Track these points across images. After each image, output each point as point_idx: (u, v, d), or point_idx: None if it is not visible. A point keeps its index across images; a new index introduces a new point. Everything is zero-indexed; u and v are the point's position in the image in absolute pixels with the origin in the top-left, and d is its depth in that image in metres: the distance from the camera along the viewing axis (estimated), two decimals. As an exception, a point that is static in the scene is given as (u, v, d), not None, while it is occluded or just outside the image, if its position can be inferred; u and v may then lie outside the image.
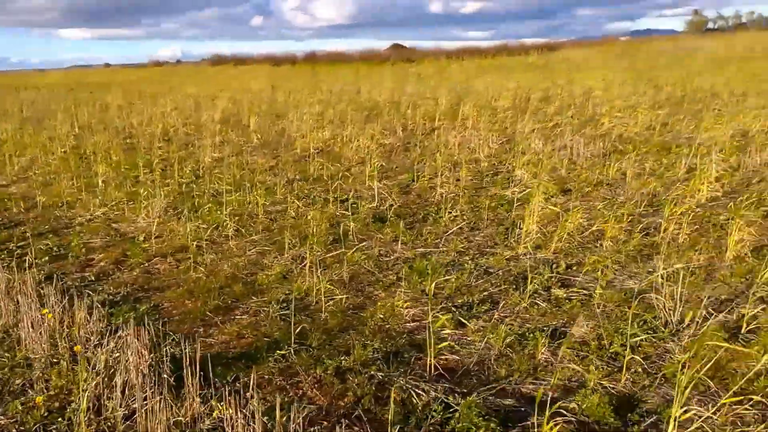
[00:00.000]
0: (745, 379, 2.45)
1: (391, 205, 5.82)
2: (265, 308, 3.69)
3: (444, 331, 3.28)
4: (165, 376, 2.66)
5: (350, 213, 5.47)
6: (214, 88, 21.69)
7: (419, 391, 2.69)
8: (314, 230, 5.01)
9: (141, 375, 2.62)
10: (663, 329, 3.14)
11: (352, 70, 28.10)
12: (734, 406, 2.42)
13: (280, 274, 4.26)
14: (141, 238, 5.11)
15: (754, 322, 3.15)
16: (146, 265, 4.56)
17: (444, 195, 6.01)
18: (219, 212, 5.54)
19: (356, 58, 33.17)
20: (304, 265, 4.20)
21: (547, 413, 2.13)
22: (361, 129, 9.74)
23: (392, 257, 4.51)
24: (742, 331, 3.13)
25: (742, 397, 2.38)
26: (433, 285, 3.35)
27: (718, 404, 2.37)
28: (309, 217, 5.36)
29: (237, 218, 5.47)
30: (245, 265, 4.49)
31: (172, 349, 3.06)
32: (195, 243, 4.82)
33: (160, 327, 3.16)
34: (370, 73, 26.19)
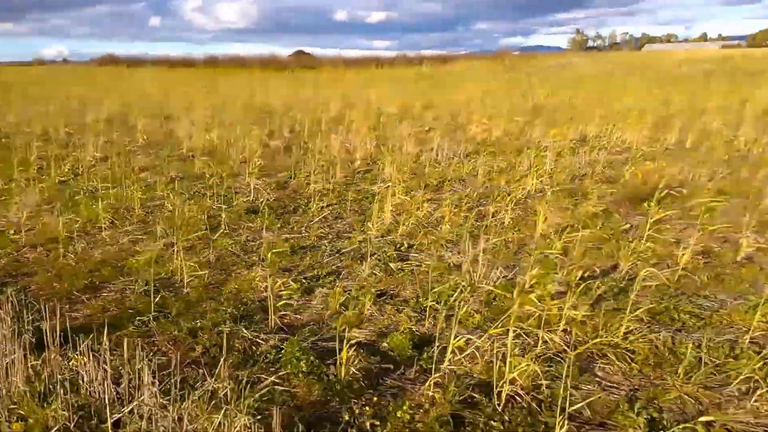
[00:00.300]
0: (506, 315, 3.15)
1: (267, 199, 6.30)
2: (132, 287, 4.04)
3: (293, 297, 3.81)
4: (26, 336, 2.98)
5: (225, 206, 5.88)
6: (103, 89, 20.99)
7: (260, 341, 3.19)
8: (187, 220, 5.37)
9: (2, 337, 2.92)
10: (467, 287, 3.85)
11: (251, 76, 28.15)
12: (500, 336, 3.13)
13: (150, 259, 4.59)
14: (11, 232, 5.22)
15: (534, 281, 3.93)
16: (15, 255, 4.71)
17: (316, 190, 6.56)
18: (95, 206, 5.74)
19: (256, 64, 33.16)
20: (174, 251, 4.57)
21: (345, 346, 2.71)
22: (250, 131, 10.09)
23: (258, 242, 4.99)
24: (525, 286, 3.90)
25: (505, 329, 3.09)
26: (282, 257, 3.87)
27: (486, 335, 3.06)
28: (185, 210, 5.70)
29: (113, 212, 5.70)
30: (117, 252, 4.78)
31: (37, 322, 3.35)
32: (66, 234, 5.02)
33: (25, 303, 3.43)
34: (269, 78, 26.37)
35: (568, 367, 2.67)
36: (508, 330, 3.02)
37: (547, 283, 3.67)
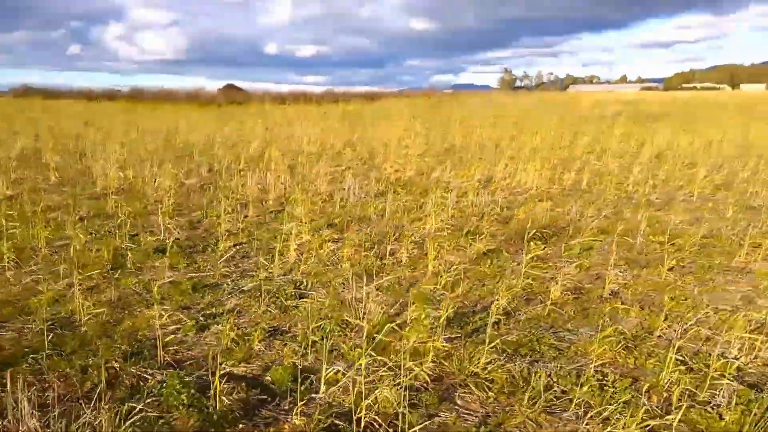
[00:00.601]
0: (382, 347, 3.49)
1: (177, 238, 6.45)
2: (30, 326, 4.12)
3: (188, 334, 4.01)
4: None
5: (134, 245, 5.99)
6: (18, 123, 20.27)
7: (147, 376, 3.39)
8: (93, 259, 5.45)
9: None
10: (353, 325, 4.18)
11: (177, 110, 27.94)
12: (374, 368, 3.47)
13: (52, 298, 4.66)
14: None
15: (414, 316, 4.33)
16: None
17: (226, 229, 6.77)
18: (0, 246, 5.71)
19: (183, 98, 32.94)
20: (75, 290, 4.66)
21: (218, 374, 2.97)
22: (166, 169, 10.16)
23: (162, 281, 5.14)
24: (407, 321, 4.29)
25: (375, 359, 3.43)
26: (183, 295, 4.07)
27: (355, 366, 3.39)
28: (93, 249, 5.78)
29: (18, 252, 5.69)
30: (20, 292, 4.82)
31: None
32: (-35, 274, 5.00)
33: None
34: (195, 113, 26.28)
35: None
36: (383, 361, 3.37)
37: (424, 318, 4.06)
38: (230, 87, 48.93)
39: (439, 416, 3.15)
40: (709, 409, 3.27)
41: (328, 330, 3.96)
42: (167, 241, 6.41)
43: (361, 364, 3.42)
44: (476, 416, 3.19)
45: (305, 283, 5.13)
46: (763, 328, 4.40)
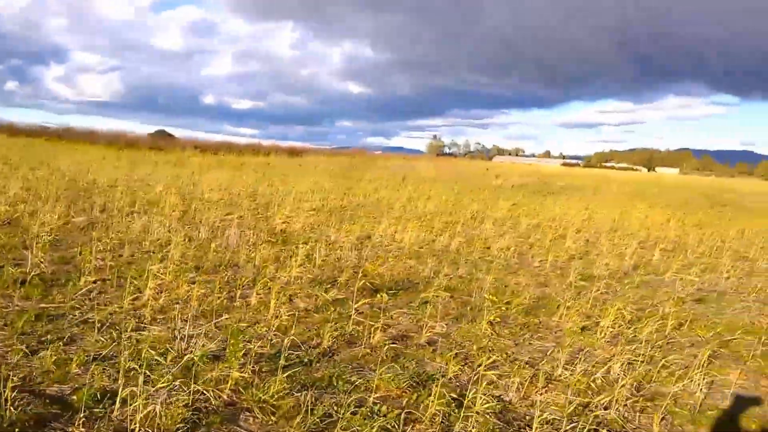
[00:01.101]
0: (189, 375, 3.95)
1: (44, 272, 6.68)
2: None
3: (14, 358, 4.32)
4: None
5: (-7, 276, 6.19)
6: None
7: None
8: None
9: None
10: (175, 354, 4.61)
11: (97, 150, 27.65)
12: (174, 391, 3.91)
13: None
14: None
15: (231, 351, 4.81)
16: None
17: (95, 266, 7.05)
18: None
19: (107, 139, 32.54)
20: None
21: (9, 386, 3.34)
22: (60, 206, 10.29)
23: (12, 310, 5.39)
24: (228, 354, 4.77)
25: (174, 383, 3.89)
26: (26, 323, 4.39)
27: (157, 387, 3.83)
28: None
29: None
30: None
31: None
32: None
33: None
34: (113, 154, 26.12)
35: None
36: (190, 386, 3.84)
37: (237, 352, 4.55)
38: (161, 133, 48.65)
39: (220, 436, 3.63)
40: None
41: (147, 359, 4.38)
42: (32, 273, 6.64)
43: (162, 387, 3.88)
44: (255, 436, 3.69)
45: (149, 318, 5.52)
46: (538, 376, 5.16)
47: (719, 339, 6.46)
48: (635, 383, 5.03)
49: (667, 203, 24.63)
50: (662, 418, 4.44)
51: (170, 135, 47.97)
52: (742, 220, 18.55)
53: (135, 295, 5.92)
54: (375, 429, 3.78)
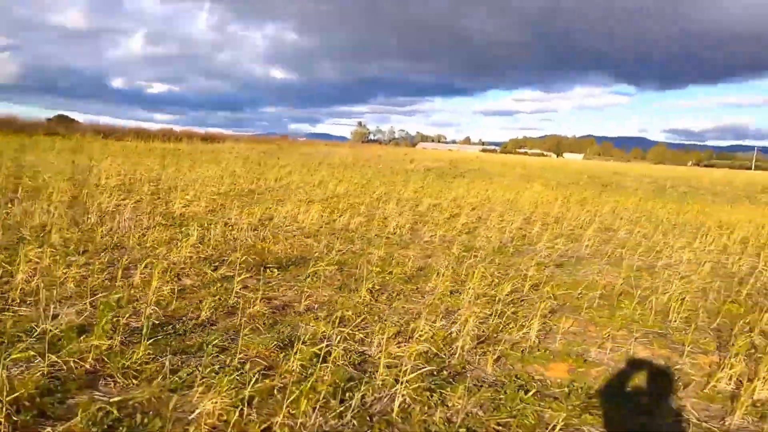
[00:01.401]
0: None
1: None
2: None
3: None
4: None
5: None
6: None
7: None
8: None
9: None
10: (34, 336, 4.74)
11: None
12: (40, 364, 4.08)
13: None
14: None
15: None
16: None
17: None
18: None
19: None
20: None
21: None
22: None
23: None
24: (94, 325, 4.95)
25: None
26: None
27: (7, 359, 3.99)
28: None
29: None
30: None
31: None
32: None
33: None
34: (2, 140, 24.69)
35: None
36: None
37: (104, 324, 4.72)
38: (61, 118, 46.00)
39: (73, 399, 3.82)
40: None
41: (9, 334, 4.49)
42: None
43: (20, 359, 4.03)
44: (111, 397, 3.91)
45: (17, 300, 5.56)
46: (405, 335, 5.66)
47: (565, 295, 7.25)
48: (483, 334, 5.65)
49: (559, 184, 26.27)
50: (498, 359, 5.06)
51: (71, 120, 45.51)
52: (617, 198, 20.20)
53: (5, 279, 5.91)
54: (233, 382, 4.11)
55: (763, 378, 4.81)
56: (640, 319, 6.52)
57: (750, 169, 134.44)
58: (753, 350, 5.80)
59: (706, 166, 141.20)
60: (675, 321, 6.50)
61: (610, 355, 5.42)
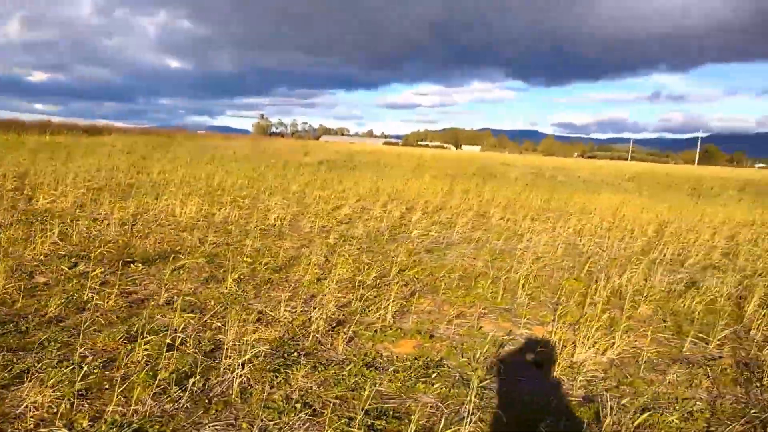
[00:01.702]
0: None
1: None
2: None
3: None
4: None
5: None
6: None
7: None
8: None
9: None
10: None
11: None
12: None
13: None
14: None
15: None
16: None
17: None
18: None
19: None
20: None
21: None
22: None
23: None
24: None
25: None
26: None
27: None
28: None
29: None
30: None
31: None
32: None
33: None
34: None
35: None
36: None
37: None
38: None
39: None
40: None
41: None
42: None
43: None
44: None
45: None
46: (264, 321, 5.79)
47: (428, 277, 7.71)
48: (343, 317, 5.91)
49: (448, 175, 27.38)
50: (350, 340, 5.33)
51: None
52: (497, 187, 21.42)
53: None
54: (67, 375, 4.06)
55: (581, 342, 5.42)
56: (491, 297, 7.07)
57: (627, 159, 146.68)
58: (585, 320, 6.49)
59: (589, 157, 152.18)
60: (522, 297, 7.10)
61: (456, 330, 5.87)
